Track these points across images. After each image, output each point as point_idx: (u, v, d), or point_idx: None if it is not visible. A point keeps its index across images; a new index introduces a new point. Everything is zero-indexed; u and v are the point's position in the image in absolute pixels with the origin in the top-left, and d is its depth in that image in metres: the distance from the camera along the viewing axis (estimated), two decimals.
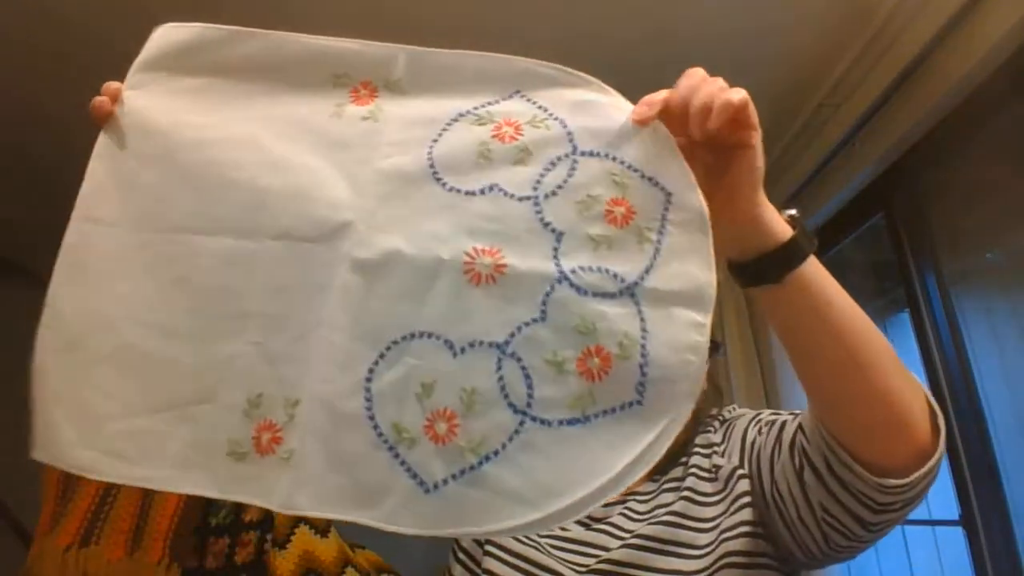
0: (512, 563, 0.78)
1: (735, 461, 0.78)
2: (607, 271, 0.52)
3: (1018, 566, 1.41)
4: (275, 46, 0.64)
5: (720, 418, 0.87)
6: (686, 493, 0.77)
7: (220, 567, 1.61)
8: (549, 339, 0.52)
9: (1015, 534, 1.43)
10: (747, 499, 0.74)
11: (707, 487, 0.77)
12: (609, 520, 0.80)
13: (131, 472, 0.58)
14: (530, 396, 0.51)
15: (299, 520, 1.66)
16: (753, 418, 0.82)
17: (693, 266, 0.52)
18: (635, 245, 0.52)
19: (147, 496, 1.67)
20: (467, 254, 0.53)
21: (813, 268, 0.55)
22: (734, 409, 0.88)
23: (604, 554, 0.76)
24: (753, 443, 0.77)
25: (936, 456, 0.58)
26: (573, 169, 0.55)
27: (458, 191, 0.56)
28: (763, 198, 0.56)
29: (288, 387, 0.55)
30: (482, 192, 0.55)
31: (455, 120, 0.58)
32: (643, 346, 0.50)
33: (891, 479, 0.57)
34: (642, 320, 0.51)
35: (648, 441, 0.50)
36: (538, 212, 0.54)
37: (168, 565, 1.56)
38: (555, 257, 0.53)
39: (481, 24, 1.64)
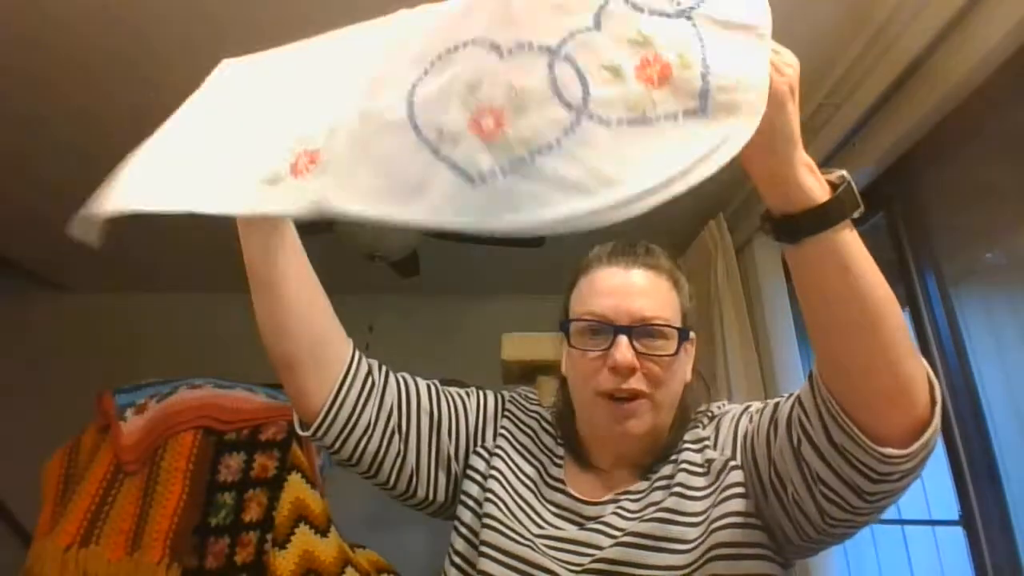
0: (507, 563, 0.78)
1: (728, 453, 0.79)
2: None
3: (1018, 566, 1.41)
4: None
5: (708, 414, 0.88)
6: (677, 489, 0.78)
7: (220, 567, 1.62)
8: (605, 45, 0.47)
9: (1015, 534, 1.43)
10: (737, 490, 0.75)
11: (699, 481, 0.78)
12: (602, 519, 0.80)
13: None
14: (586, 95, 0.47)
15: (299, 520, 1.66)
16: (743, 410, 0.83)
17: None
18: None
19: (147, 496, 1.67)
20: None
21: (843, 234, 0.55)
22: (723, 405, 0.89)
23: (598, 553, 0.76)
24: (746, 432, 0.78)
25: (932, 428, 0.59)
26: None
27: None
28: (798, 157, 0.56)
29: (331, 120, 0.53)
30: None
31: None
32: (704, 58, 0.47)
33: (891, 448, 0.58)
34: (700, 38, 0.48)
35: (715, 144, 0.46)
36: None
37: (168, 565, 1.57)
38: None
39: None
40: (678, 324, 0.84)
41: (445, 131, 0.48)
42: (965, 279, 1.66)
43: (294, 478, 1.70)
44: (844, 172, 0.57)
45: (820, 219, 0.55)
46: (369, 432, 0.83)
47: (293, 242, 0.79)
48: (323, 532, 1.68)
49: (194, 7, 1.57)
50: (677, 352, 0.81)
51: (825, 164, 2.16)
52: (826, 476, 0.63)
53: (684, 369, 0.86)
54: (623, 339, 0.79)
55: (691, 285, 0.89)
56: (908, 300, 1.72)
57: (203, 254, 3.03)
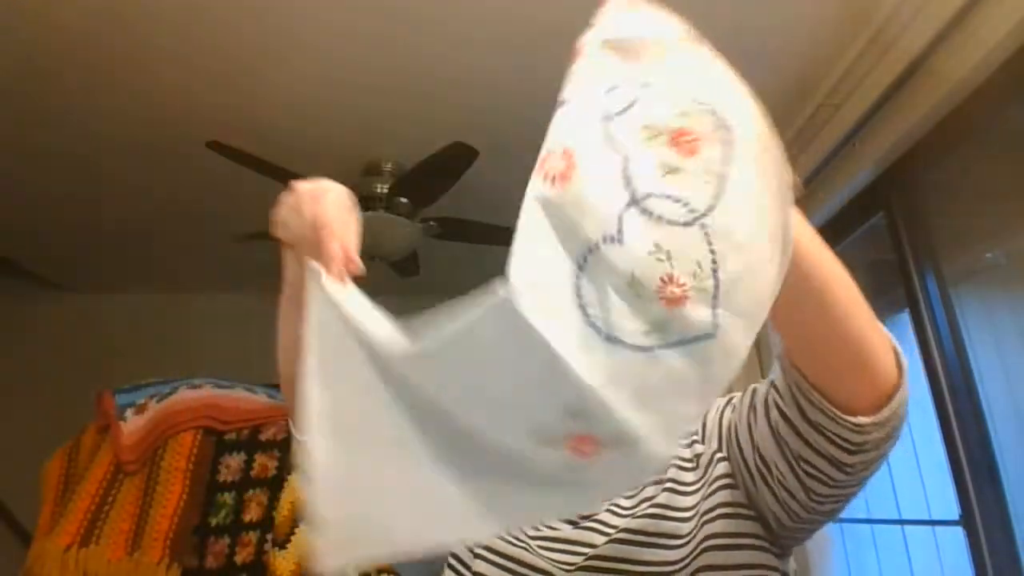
0: (501, 564, 0.79)
1: (714, 446, 0.79)
2: (677, 199, 0.45)
3: (1018, 566, 1.41)
4: None
5: None
6: (669, 484, 0.78)
7: (220, 567, 1.62)
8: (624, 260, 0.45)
9: (1015, 534, 1.43)
10: (725, 481, 0.75)
11: (689, 476, 0.79)
12: (596, 518, 0.81)
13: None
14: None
15: (299, 520, 1.66)
16: (727, 402, 0.83)
17: (763, 199, 0.47)
18: (701, 176, 0.46)
19: (147, 496, 1.67)
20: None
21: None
22: None
23: (591, 550, 0.77)
24: (729, 422, 0.78)
25: (900, 394, 0.60)
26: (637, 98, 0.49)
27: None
28: None
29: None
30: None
31: None
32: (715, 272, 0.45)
33: (862, 417, 0.59)
34: (712, 250, 0.45)
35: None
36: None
37: (168, 565, 1.57)
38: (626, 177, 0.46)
39: (480, 33, 1.64)
40: None
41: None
42: (965, 279, 1.66)
43: (294, 478, 1.70)
44: None
45: None
46: None
47: None
48: None
49: (189, 13, 1.57)
50: None
51: (825, 164, 2.16)
52: (806, 453, 0.64)
53: None
54: None
55: None
56: (908, 300, 1.72)
57: (203, 254, 3.03)
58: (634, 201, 0.44)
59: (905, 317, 1.77)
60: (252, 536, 1.64)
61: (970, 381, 1.55)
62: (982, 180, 1.62)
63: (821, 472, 0.65)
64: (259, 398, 1.89)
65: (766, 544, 0.74)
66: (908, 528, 1.87)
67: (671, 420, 0.45)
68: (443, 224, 2.39)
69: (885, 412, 0.59)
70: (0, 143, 2.08)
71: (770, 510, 0.72)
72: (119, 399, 1.80)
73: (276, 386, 1.93)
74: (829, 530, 2.07)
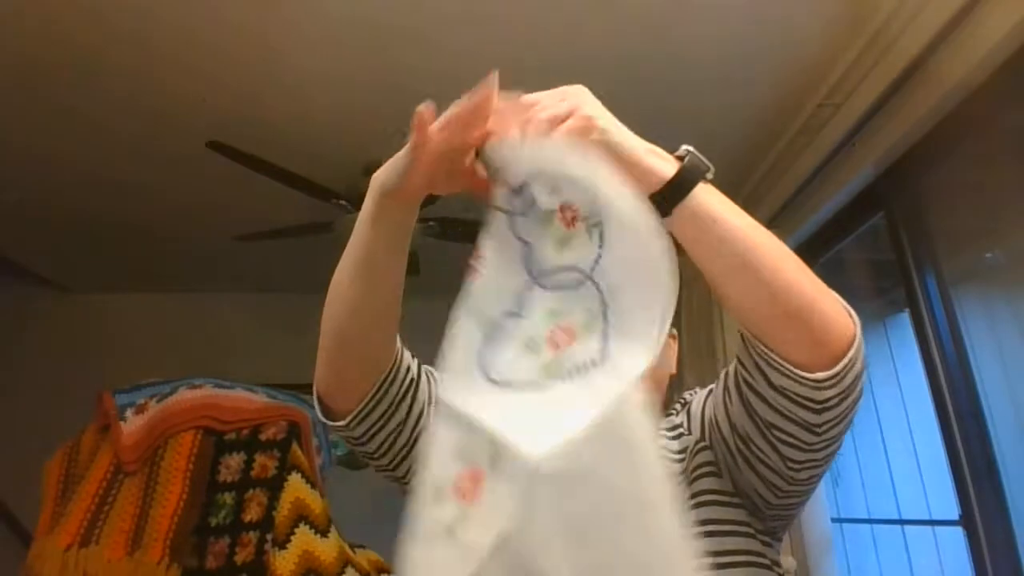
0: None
1: (696, 435, 0.81)
2: (570, 267, 0.59)
3: (1018, 566, 1.42)
4: None
5: (681, 400, 0.91)
6: None
7: (220, 567, 1.62)
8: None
9: (1015, 534, 1.43)
10: (707, 469, 0.77)
11: (678, 468, 0.80)
12: None
13: None
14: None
15: (299, 520, 1.66)
16: (709, 392, 0.85)
17: (637, 243, 0.56)
18: (584, 236, 0.58)
19: (147, 496, 1.67)
20: None
21: (702, 195, 0.61)
22: (695, 392, 0.91)
23: None
24: (711, 409, 0.80)
25: (855, 346, 0.62)
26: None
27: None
28: (637, 149, 0.62)
29: None
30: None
31: None
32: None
33: (819, 372, 0.61)
34: (603, 299, 0.57)
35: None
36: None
37: (168, 565, 1.57)
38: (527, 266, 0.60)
39: (480, 33, 1.64)
40: None
41: None
42: (965, 279, 1.66)
43: (294, 478, 1.70)
44: (686, 145, 0.63)
45: (677, 188, 0.61)
46: (399, 429, 0.83)
47: (407, 240, 0.78)
48: (323, 532, 1.67)
49: (190, 13, 1.57)
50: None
51: (825, 164, 2.15)
52: (776, 420, 0.66)
53: (667, 357, 0.91)
54: None
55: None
56: (908, 300, 1.72)
57: (203, 254, 3.03)
58: (534, 280, 0.59)
59: (905, 317, 1.77)
60: (252, 536, 1.63)
61: (970, 381, 1.55)
62: (982, 180, 1.62)
63: (792, 437, 0.67)
64: (259, 398, 1.88)
65: (751, 531, 0.75)
66: (908, 528, 1.87)
67: (555, 433, 0.51)
68: (443, 224, 2.39)
69: (840, 365, 0.61)
70: (0, 143, 2.09)
71: (755, 490, 0.74)
72: (119, 399, 1.80)
73: (276, 386, 1.91)
74: (829, 530, 2.07)
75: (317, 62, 1.78)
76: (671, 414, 0.88)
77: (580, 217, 0.58)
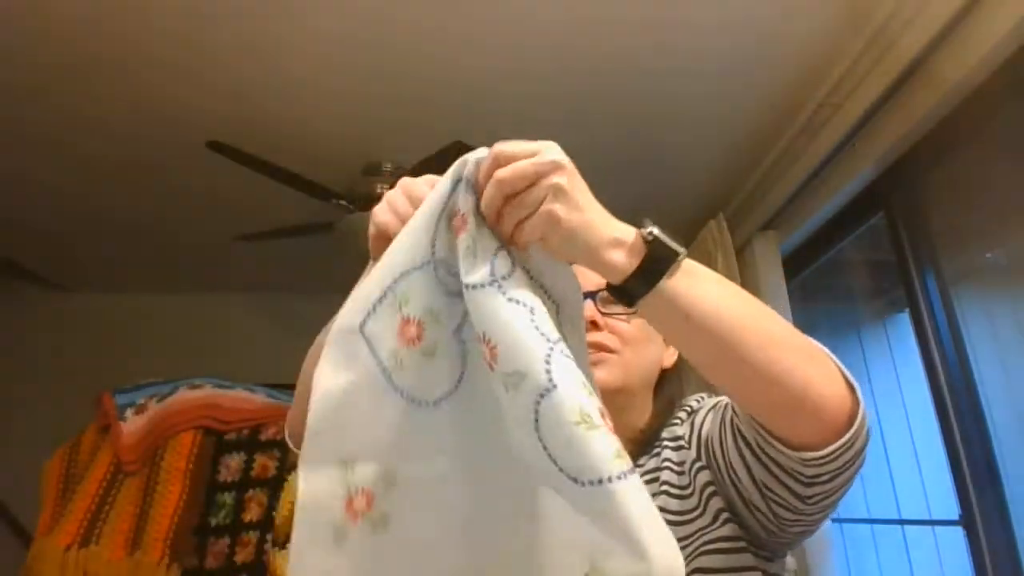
0: None
1: (693, 453, 0.80)
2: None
3: (1018, 566, 1.41)
4: None
5: (687, 408, 0.88)
6: (664, 488, 0.79)
7: (220, 567, 1.62)
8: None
9: (1015, 534, 1.43)
10: (712, 488, 0.76)
11: (681, 480, 0.79)
12: None
13: None
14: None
15: None
16: (712, 407, 0.83)
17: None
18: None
19: (147, 496, 1.67)
20: None
21: (672, 285, 0.57)
22: (702, 399, 0.88)
23: None
24: (708, 433, 0.79)
25: (853, 428, 0.59)
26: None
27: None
28: (598, 242, 0.57)
29: None
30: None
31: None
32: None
33: (808, 452, 0.59)
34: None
35: None
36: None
37: (168, 565, 1.57)
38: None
39: (478, 35, 1.64)
40: None
41: None
42: (965, 279, 1.66)
43: (294, 478, 1.70)
44: (651, 228, 0.57)
45: (642, 281, 0.57)
46: None
47: None
48: None
49: (190, 13, 1.57)
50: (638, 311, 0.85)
51: (825, 164, 2.15)
52: (768, 481, 0.65)
53: (660, 345, 0.88)
54: (587, 301, 0.81)
55: None
56: (908, 300, 1.72)
57: (203, 254, 3.03)
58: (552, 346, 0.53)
59: (905, 317, 1.77)
60: (252, 536, 1.64)
61: (970, 381, 1.55)
62: (982, 180, 1.62)
63: (783, 500, 0.65)
64: (259, 398, 1.88)
65: (752, 547, 0.75)
66: (908, 528, 1.87)
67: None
68: None
69: (836, 445, 0.58)
70: (1, 142, 2.09)
71: (744, 516, 0.73)
72: (119, 399, 1.80)
73: (276, 386, 1.92)
74: (829, 530, 2.07)
75: (317, 61, 1.78)
76: (675, 423, 0.85)
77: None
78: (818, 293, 2.38)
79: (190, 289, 3.38)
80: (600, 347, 0.82)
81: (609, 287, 0.60)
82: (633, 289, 0.57)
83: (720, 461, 0.73)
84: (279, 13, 1.59)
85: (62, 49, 1.68)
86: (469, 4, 1.58)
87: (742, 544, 0.74)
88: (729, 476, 0.71)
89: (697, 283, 0.58)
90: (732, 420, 0.69)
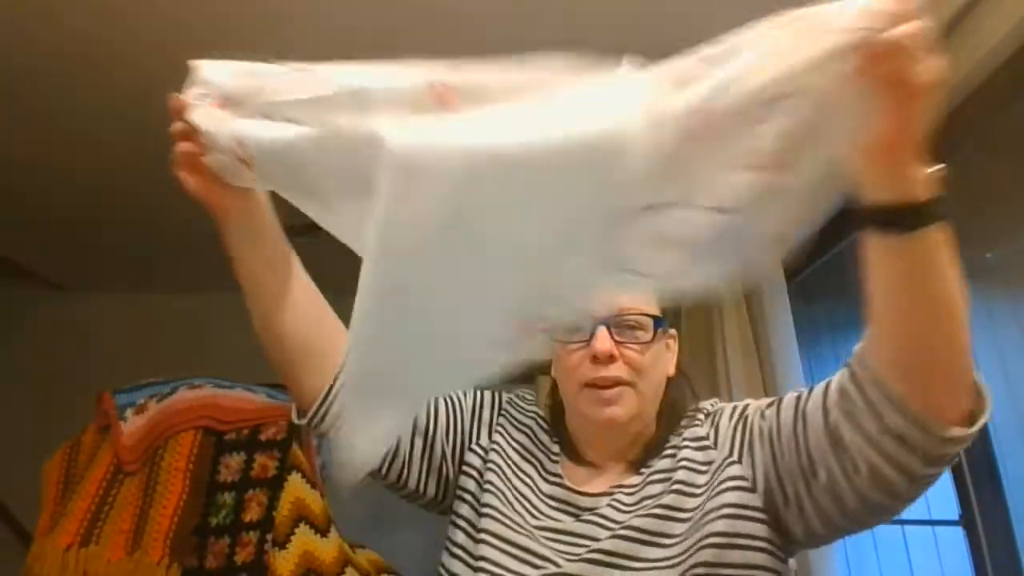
0: (506, 550, 0.82)
1: (726, 452, 0.80)
2: None
3: (1018, 566, 1.42)
4: None
5: (703, 411, 0.90)
6: (677, 486, 0.80)
7: (220, 567, 1.62)
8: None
9: (1015, 534, 1.43)
10: (736, 483, 0.77)
11: (701, 479, 0.80)
12: (598, 511, 0.83)
13: None
14: None
15: (299, 520, 1.66)
16: (743, 408, 0.84)
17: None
18: None
19: (147, 496, 1.67)
20: None
21: (932, 239, 0.61)
22: (716, 402, 0.91)
23: (594, 544, 0.79)
24: (762, 430, 0.79)
25: (986, 415, 0.63)
26: None
27: None
28: (919, 150, 0.58)
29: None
30: None
31: None
32: None
33: (956, 429, 0.61)
34: None
35: None
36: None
37: (168, 565, 1.57)
38: None
39: (480, 21, 1.64)
40: (654, 313, 0.87)
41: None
42: (965, 279, 1.66)
43: (294, 478, 1.70)
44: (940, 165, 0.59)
45: (927, 213, 0.60)
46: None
47: (272, 236, 0.83)
48: (323, 532, 1.67)
49: (189, 13, 1.57)
50: (653, 339, 0.85)
51: None
52: (876, 461, 0.64)
53: (665, 361, 0.90)
54: (602, 330, 0.84)
55: None
56: None
57: (202, 254, 3.03)
58: None
59: None
60: (252, 536, 1.63)
61: None
62: (982, 180, 1.62)
63: (888, 482, 0.65)
64: (259, 398, 1.88)
65: (769, 547, 0.75)
66: (908, 528, 1.87)
67: None
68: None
69: (973, 428, 0.62)
70: (1, 143, 2.09)
71: (802, 510, 0.73)
72: (119, 399, 1.80)
73: (276, 386, 1.92)
74: None
75: (325, 55, 1.78)
76: (695, 424, 0.87)
77: None
78: (818, 293, 2.38)
79: (190, 289, 3.38)
80: (617, 382, 0.83)
81: (885, 209, 0.60)
82: (927, 212, 0.60)
83: (789, 452, 0.73)
84: (281, 12, 1.60)
85: (59, 52, 1.68)
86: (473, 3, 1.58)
87: (744, 542, 0.74)
88: (802, 462, 0.71)
89: (947, 241, 0.62)
90: (826, 405, 0.69)
